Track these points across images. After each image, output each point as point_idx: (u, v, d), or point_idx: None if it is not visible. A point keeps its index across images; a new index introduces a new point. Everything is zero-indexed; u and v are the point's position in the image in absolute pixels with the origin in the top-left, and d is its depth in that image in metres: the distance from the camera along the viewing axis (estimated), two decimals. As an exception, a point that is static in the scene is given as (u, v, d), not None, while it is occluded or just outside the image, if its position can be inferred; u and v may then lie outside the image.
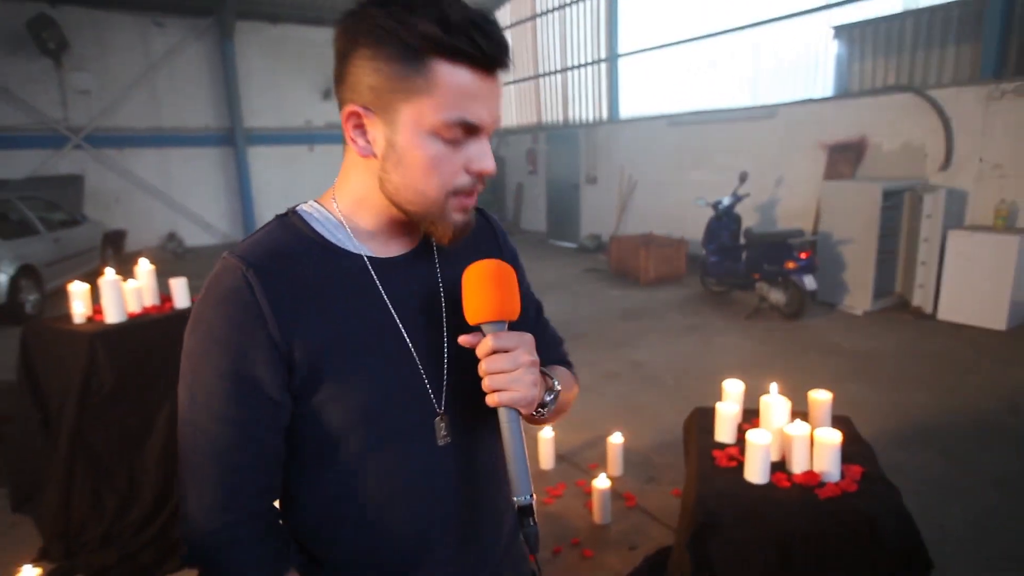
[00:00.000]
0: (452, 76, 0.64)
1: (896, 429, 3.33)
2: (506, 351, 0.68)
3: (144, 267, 2.88)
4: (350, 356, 0.70)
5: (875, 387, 3.91)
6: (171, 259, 10.05)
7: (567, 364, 0.96)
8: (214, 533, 0.67)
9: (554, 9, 11.02)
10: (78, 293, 2.66)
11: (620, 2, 9.63)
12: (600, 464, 3.05)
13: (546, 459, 3.04)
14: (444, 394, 0.76)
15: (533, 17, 11.64)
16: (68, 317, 2.66)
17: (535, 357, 0.71)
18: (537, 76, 11.82)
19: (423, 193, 0.69)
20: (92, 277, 2.99)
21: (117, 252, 8.78)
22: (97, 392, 2.46)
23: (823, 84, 7.28)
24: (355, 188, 0.74)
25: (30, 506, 2.62)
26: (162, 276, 2.95)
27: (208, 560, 0.69)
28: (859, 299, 5.68)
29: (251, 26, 11.08)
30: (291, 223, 0.74)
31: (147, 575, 2.33)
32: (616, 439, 2.97)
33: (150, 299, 2.85)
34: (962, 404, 3.62)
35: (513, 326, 0.74)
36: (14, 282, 6.09)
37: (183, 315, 2.80)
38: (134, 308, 2.74)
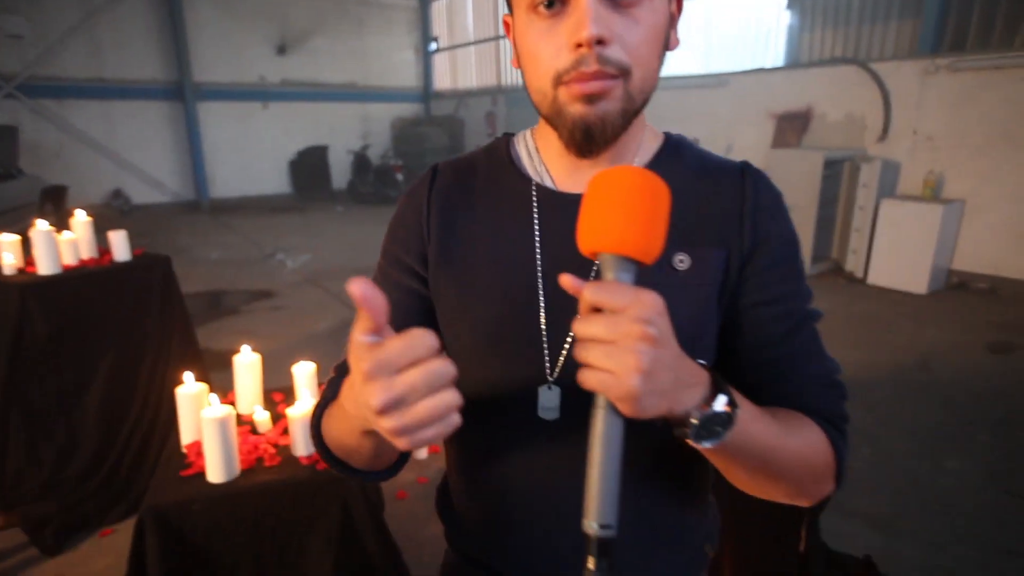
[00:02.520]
0: None
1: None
2: (610, 310, 0.45)
3: (80, 218, 2.79)
4: (471, 272, 0.67)
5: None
6: (117, 217, 9.59)
7: (828, 424, 0.65)
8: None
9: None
10: (7, 244, 2.57)
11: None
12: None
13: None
14: (564, 361, 0.63)
15: (493, -25, 11.39)
16: (-2, 269, 2.57)
17: (655, 330, 0.44)
18: (498, 37, 11.62)
19: (540, 90, 0.61)
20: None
21: (58, 209, 8.28)
22: (31, 345, 2.41)
23: (774, 55, 7.41)
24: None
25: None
26: (106, 233, 2.85)
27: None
28: (798, 264, 5.92)
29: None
30: (497, 143, 0.75)
31: (89, 525, 2.34)
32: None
33: (87, 252, 2.76)
34: (884, 361, 3.88)
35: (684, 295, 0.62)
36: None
37: (122, 268, 2.74)
38: (69, 260, 2.66)
